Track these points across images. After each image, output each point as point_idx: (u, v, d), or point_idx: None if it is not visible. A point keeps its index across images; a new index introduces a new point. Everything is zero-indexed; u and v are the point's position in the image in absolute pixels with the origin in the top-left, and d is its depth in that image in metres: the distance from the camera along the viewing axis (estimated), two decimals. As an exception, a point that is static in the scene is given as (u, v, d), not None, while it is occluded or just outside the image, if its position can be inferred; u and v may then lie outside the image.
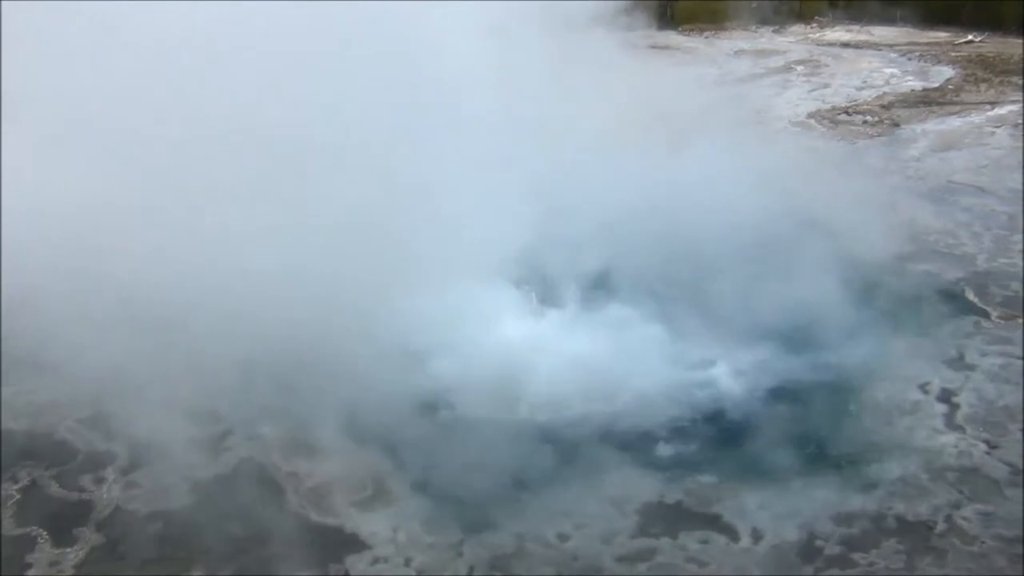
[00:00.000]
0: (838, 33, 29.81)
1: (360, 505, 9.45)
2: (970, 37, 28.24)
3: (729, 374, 11.36)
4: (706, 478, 9.65)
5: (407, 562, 8.74)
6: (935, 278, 13.92)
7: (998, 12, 28.08)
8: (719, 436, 10.44)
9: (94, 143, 11.72)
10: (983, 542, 8.91)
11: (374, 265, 11.30)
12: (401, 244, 11.61)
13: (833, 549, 8.86)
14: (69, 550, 9.00)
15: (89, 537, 9.15)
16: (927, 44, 28.01)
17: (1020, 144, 19.07)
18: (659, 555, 8.74)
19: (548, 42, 13.94)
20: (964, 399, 11.06)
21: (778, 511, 9.29)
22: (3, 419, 10.79)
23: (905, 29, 29.50)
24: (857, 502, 9.41)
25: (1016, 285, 13.52)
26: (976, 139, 19.89)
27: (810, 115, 21.79)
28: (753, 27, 30.24)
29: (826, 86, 24.05)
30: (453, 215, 11.62)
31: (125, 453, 10.28)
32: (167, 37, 11.58)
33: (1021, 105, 21.50)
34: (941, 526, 9.12)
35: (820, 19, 30.89)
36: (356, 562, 8.74)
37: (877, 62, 26.27)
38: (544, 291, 12.09)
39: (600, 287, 12.75)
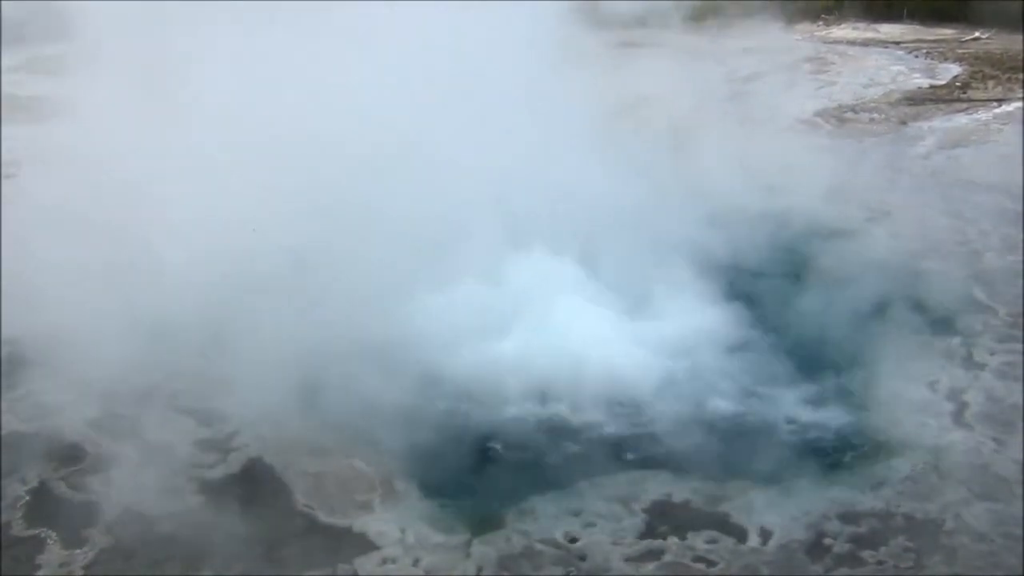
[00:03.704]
0: (845, 31, 29.78)
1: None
2: (977, 34, 28.19)
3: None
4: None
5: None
6: (943, 276, 13.89)
7: (1005, 9, 28.01)
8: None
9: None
10: (992, 540, 8.91)
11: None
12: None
13: (842, 547, 8.88)
14: (79, 551, 9.04)
15: (98, 539, 9.18)
16: (934, 41, 27.97)
17: (1026, 141, 19.03)
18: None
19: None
20: (972, 397, 11.05)
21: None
22: (13, 421, 10.82)
23: (912, 26, 29.47)
24: (866, 500, 9.41)
25: (1025, 282, 13.53)
26: (983, 136, 19.84)
27: (817, 113, 21.76)
28: (760, 25, 30.20)
29: (833, 84, 24.03)
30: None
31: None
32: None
33: (1024, 102, 21.54)
34: (950, 524, 9.12)
35: (827, 17, 30.84)
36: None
37: (884, 59, 26.24)
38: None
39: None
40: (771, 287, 12.94)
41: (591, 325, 11.83)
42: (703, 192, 15.64)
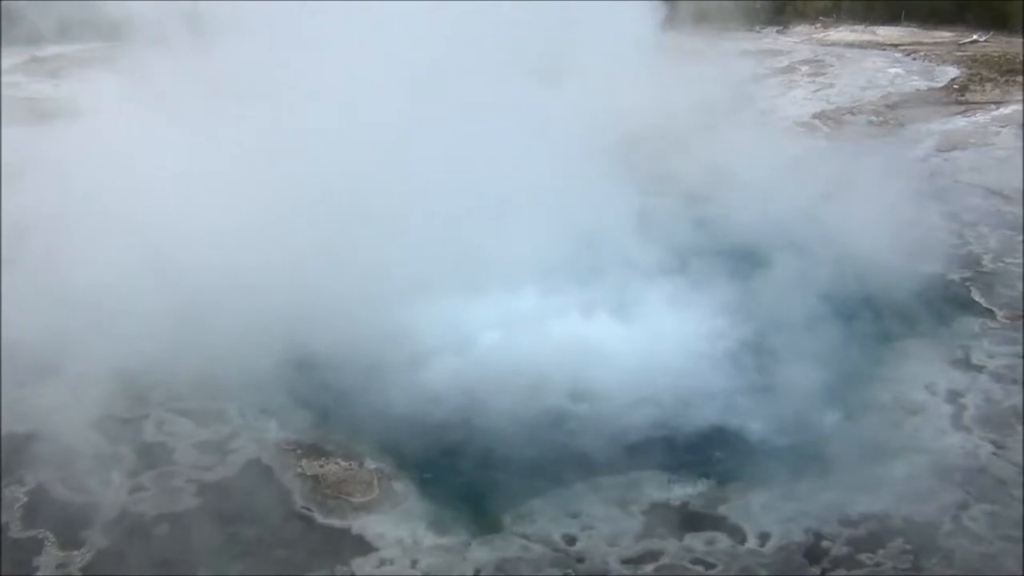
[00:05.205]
0: (842, 33, 29.79)
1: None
2: (975, 37, 28.21)
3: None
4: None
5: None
6: (940, 278, 13.91)
7: (1003, 11, 28.05)
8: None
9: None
10: (991, 542, 8.91)
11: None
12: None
13: (840, 550, 8.88)
14: (76, 552, 9.03)
15: (96, 540, 9.17)
16: (932, 44, 27.98)
17: (1024, 144, 19.05)
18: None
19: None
20: (971, 400, 11.05)
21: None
22: (10, 423, 10.80)
23: (909, 29, 29.49)
24: (864, 502, 9.41)
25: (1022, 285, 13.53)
26: (981, 139, 19.85)
27: (815, 115, 21.77)
28: (757, 27, 30.23)
29: (831, 86, 24.04)
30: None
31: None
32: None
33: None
34: (948, 526, 9.12)
35: (824, 19, 30.86)
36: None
37: (881, 62, 26.25)
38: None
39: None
40: (767, 289, 12.92)
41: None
42: (700, 195, 15.71)
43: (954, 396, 11.11)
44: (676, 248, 13.52)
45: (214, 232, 12.09)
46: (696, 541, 9.02)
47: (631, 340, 12.02)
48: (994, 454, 10.09)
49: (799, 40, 29.13)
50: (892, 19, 30.02)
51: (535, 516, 9.35)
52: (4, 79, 21.01)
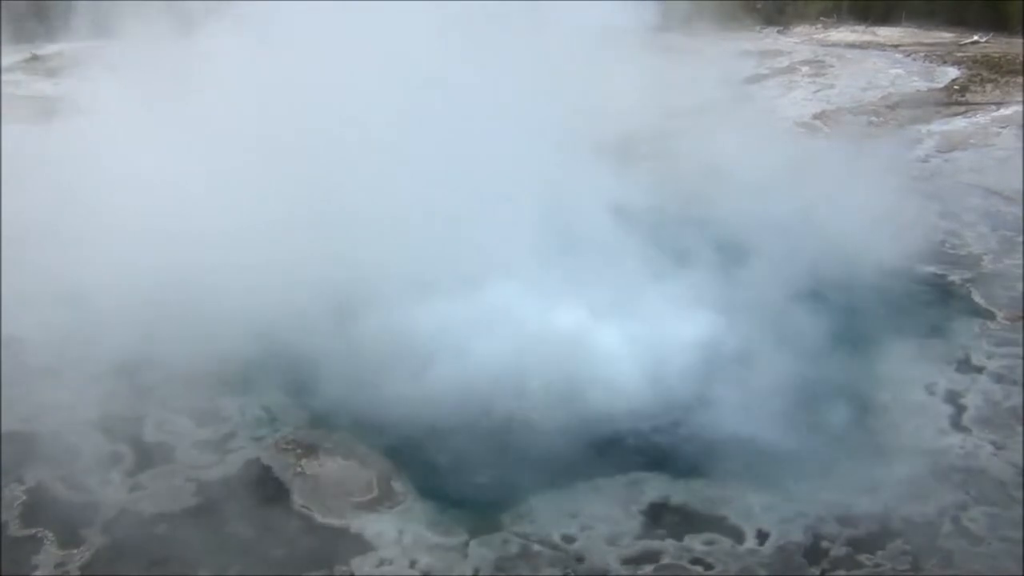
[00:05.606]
0: (843, 34, 29.73)
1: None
2: (975, 37, 28.19)
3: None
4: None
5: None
6: (941, 279, 13.91)
7: (1003, 12, 28.02)
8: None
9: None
10: (990, 543, 8.91)
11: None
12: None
13: (839, 550, 8.88)
14: (75, 551, 9.02)
15: (95, 539, 9.16)
16: (932, 44, 27.92)
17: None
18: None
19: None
20: (970, 400, 11.05)
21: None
22: (10, 422, 10.79)
23: (910, 29, 29.43)
24: (863, 503, 9.40)
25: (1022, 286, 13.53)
26: (982, 139, 19.82)
27: (815, 116, 21.74)
28: (757, 28, 30.18)
29: (831, 87, 24.00)
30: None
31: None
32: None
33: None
34: (948, 527, 9.11)
35: (825, 20, 30.83)
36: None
37: (882, 62, 26.18)
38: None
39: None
40: (766, 289, 12.92)
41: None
42: (699, 195, 15.69)
43: (954, 396, 11.12)
44: (675, 248, 13.49)
45: (214, 231, 12.10)
46: (695, 541, 9.04)
47: (629, 340, 12.01)
48: (994, 455, 10.10)
49: (799, 40, 29.05)
50: (892, 20, 29.98)
51: (534, 516, 9.36)
52: (4, 77, 21.00)
